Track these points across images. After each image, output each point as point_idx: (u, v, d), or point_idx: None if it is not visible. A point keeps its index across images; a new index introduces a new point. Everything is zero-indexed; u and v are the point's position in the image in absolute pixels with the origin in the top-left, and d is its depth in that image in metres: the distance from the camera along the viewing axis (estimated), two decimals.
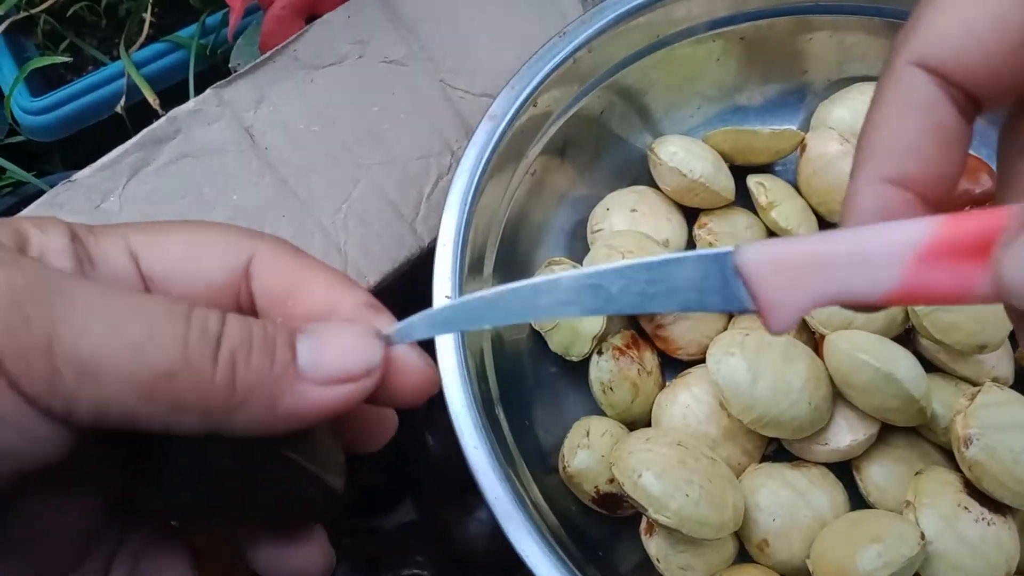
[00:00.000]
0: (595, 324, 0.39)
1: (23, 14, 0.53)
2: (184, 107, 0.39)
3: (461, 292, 0.37)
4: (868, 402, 0.36)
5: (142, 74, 0.50)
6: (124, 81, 0.50)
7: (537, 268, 0.41)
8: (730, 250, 0.20)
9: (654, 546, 0.36)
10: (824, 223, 0.44)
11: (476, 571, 0.46)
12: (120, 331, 0.17)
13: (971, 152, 0.44)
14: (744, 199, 0.44)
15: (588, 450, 0.38)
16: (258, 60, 0.40)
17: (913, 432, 0.38)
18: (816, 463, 0.38)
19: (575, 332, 0.40)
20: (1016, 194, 0.21)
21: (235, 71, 0.41)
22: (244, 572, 0.39)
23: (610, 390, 0.40)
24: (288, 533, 0.23)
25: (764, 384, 0.36)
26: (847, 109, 0.45)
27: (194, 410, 0.18)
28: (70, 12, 0.54)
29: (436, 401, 0.34)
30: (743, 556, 0.37)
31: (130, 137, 0.38)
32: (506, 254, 0.41)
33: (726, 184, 0.43)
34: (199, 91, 0.40)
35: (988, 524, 0.34)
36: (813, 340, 0.40)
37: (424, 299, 0.36)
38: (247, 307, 0.22)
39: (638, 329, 0.42)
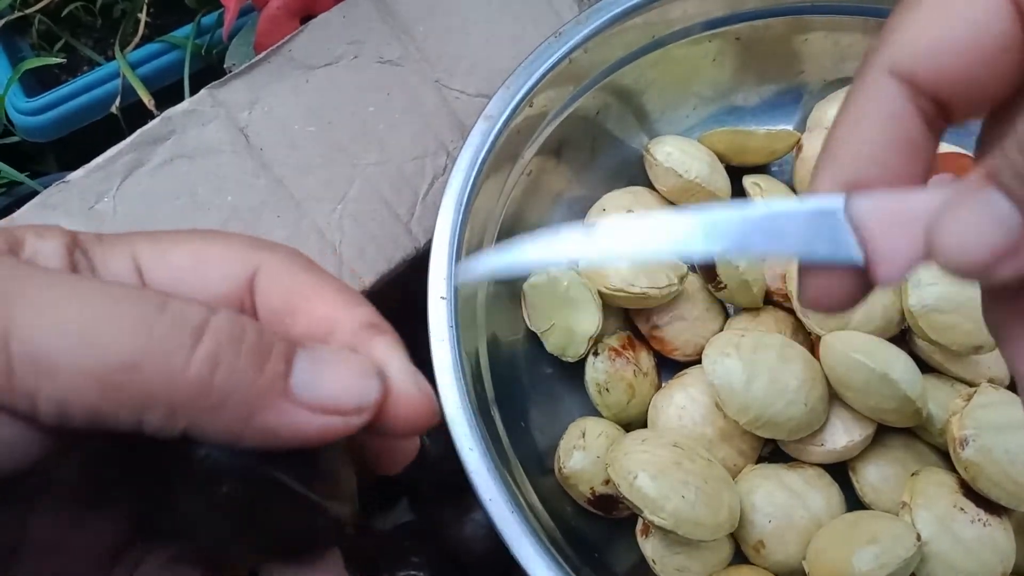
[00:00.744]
0: (591, 325, 0.39)
1: (18, 14, 0.53)
2: (178, 107, 0.39)
3: (456, 292, 0.37)
4: (864, 403, 0.36)
5: (137, 74, 0.50)
6: (119, 81, 0.50)
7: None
8: (843, 200, 0.19)
9: (650, 547, 0.36)
10: None
11: (473, 572, 0.46)
12: (75, 320, 0.16)
13: (966, 153, 0.44)
14: (740, 199, 0.44)
15: (584, 451, 0.38)
16: (253, 60, 0.40)
17: (909, 433, 0.38)
18: (812, 464, 0.38)
19: (571, 333, 0.40)
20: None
21: (230, 71, 0.41)
22: None
23: (606, 391, 0.40)
24: (299, 559, 0.21)
25: (760, 385, 0.36)
26: None
27: (161, 406, 0.16)
28: (65, 12, 0.54)
29: None
30: (739, 557, 0.37)
31: (125, 138, 0.38)
32: None
33: (722, 185, 0.43)
34: (194, 91, 0.40)
35: (984, 525, 0.34)
36: (809, 341, 0.40)
37: (420, 299, 0.36)
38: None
39: (634, 330, 0.42)
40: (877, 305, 0.38)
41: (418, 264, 0.39)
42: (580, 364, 0.41)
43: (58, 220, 0.36)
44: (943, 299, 0.36)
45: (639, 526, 0.37)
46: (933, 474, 0.36)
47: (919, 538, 0.33)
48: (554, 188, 0.45)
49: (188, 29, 0.52)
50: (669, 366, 0.42)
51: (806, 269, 0.21)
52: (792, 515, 0.36)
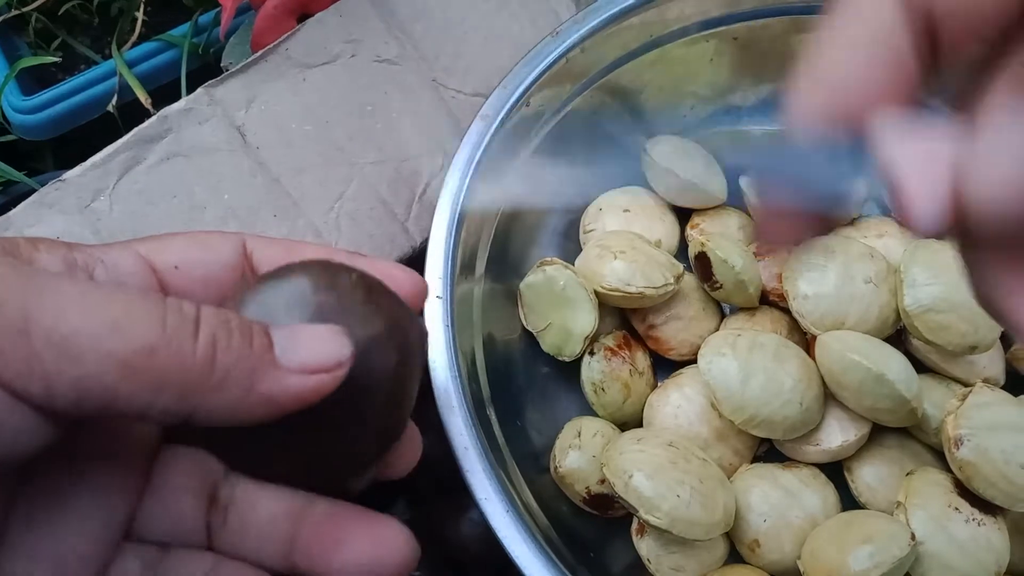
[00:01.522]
0: (587, 324, 0.39)
1: (14, 12, 0.53)
2: (175, 106, 0.39)
3: (453, 292, 0.37)
4: (859, 402, 0.36)
5: (134, 73, 0.50)
6: (116, 80, 0.50)
7: (529, 268, 0.41)
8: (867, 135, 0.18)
9: (645, 547, 0.36)
10: None
11: (469, 571, 0.46)
12: (98, 311, 0.17)
13: None
14: (736, 200, 0.44)
15: (579, 451, 0.38)
16: (250, 59, 0.40)
17: (904, 432, 0.39)
18: (807, 464, 0.38)
19: (567, 332, 0.40)
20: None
21: (227, 70, 0.41)
22: None
23: (602, 390, 0.40)
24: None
25: (755, 384, 0.36)
26: None
27: (173, 388, 0.18)
28: (62, 10, 0.54)
29: (428, 400, 0.34)
30: (734, 557, 0.37)
31: (122, 136, 0.38)
32: (498, 254, 0.41)
33: (718, 185, 0.43)
34: (191, 90, 0.40)
35: (979, 524, 0.34)
36: (805, 340, 0.40)
37: None
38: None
39: (630, 329, 0.42)
40: (873, 305, 0.38)
41: (415, 263, 0.39)
42: (576, 363, 0.41)
43: (54, 218, 0.36)
44: (939, 299, 0.36)
45: (634, 525, 0.37)
46: (928, 474, 0.36)
47: (914, 538, 0.33)
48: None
49: (185, 28, 0.52)
50: (665, 365, 0.42)
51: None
52: (787, 514, 0.36)
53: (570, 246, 0.45)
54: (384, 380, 0.22)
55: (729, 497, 0.35)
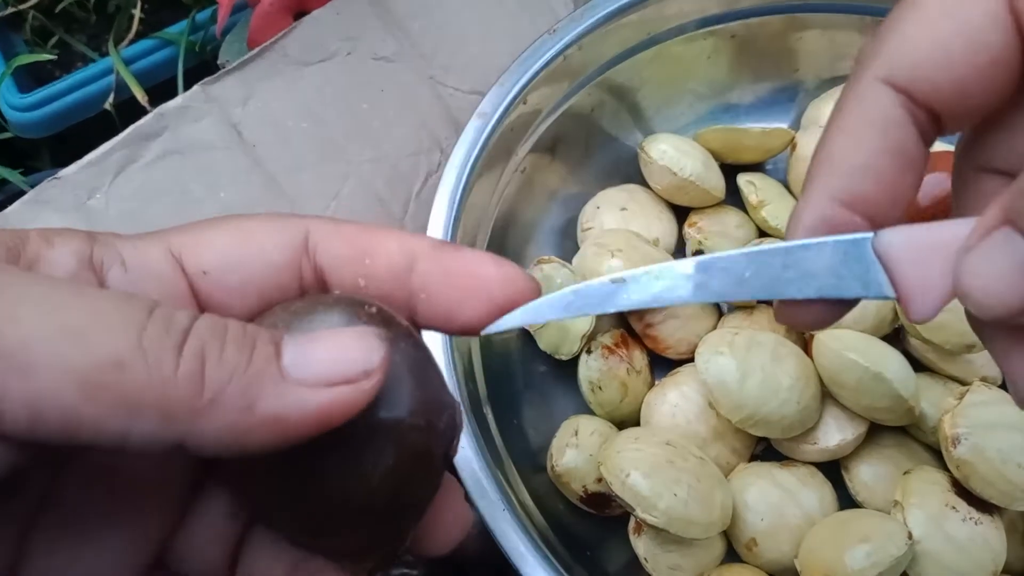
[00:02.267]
0: (584, 323, 0.39)
1: (11, 10, 0.53)
2: (171, 104, 0.38)
3: None
4: (857, 401, 0.36)
5: (131, 70, 0.50)
6: (113, 78, 0.50)
7: (526, 266, 0.41)
8: (870, 236, 0.19)
9: (642, 546, 0.36)
10: None
11: (467, 569, 0.46)
12: (58, 316, 0.14)
13: None
14: (734, 198, 0.44)
15: (576, 449, 0.38)
16: (246, 57, 0.40)
17: (902, 431, 0.38)
18: (805, 462, 0.38)
19: (564, 331, 0.40)
20: (971, 210, 0.21)
21: (224, 68, 0.41)
22: None
23: (599, 389, 0.40)
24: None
25: (753, 383, 0.36)
26: None
27: (151, 411, 0.15)
28: (59, 8, 0.54)
29: None
30: (732, 556, 0.37)
31: (118, 134, 0.38)
32: (495, 252, 0.41)
33: (716, 183, 0.43)
34: (188, 88, 0.40)
35: (976, 523, 0.34)
36: (802, 339, 0.40)
37: None
38: (312, 282, 0.20)
39: (627, 328, 0.42)
40: (870, 304, 0.38)
41: None
42: (573, 362, 0.41)
43: (49, 216, 0.36)
44: None
45: (631, 524, 0.37)
46: (925, 473, 0.36)
47: (911, 537, 0.33)
48: (548, 186, 0.45)
49: (182, 25, 0.52)
50: (662, 364, 0.42)
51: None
52: (785, 513, 0.36)
53: (568, 244, 0.44)
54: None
55: (726, 496, 0.35)
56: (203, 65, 0.52)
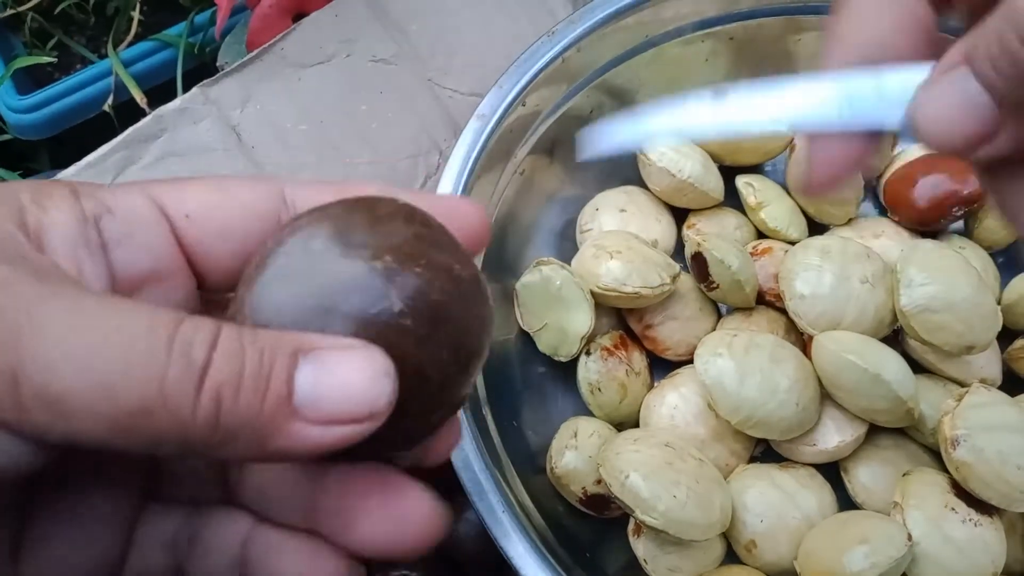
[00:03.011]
0: (584, 324, 0.39)
1: (10, 12, 0.53)
2: (170, 106, 0.39)
3: None
4: (856, 403, 0.36)
5: (130, 72, 0.50)
6: (112, 79, 0.50)
7: (526, 268, 0.41)
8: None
9: (642, 547, 0.36)
10: (813, 224, 0.44)
11: (467, 570, 0.46)
12: (92, 366, 0.16)
13: None
14: (733, 199, 0.44)
15: (576, 451, 0.38)
16: (245, 59, 0.40)
17: (901, 433, 0.38)
18: (804, 464, 0.38)
19: (564, 332, 0.40)
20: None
21: (223, 70, 0.41)
22: None
23: (598, 391, 0.40)
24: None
25: (752, 385, 0.36)
26: None
27: (172, 443, 0.16)
28: (58, 10, 0.54)
29: None
30: (731, 557, 0.37)
31: (117, 136, 0.38)
32: (494, 254, 0.41)
33: (715, 184, 0.43)
34: (187, 90, 0.40)
35: (975, 525, 0.34)
36: (801, 341, 0.40)
37: None
38: None
39: (627, 329, 0.42)
40: (869, 305, 0.38)
41: None
42: (572, 364, 0.41)
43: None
44: (935, 299, 0.36)
45: (631, 526, 0.37)
46: (925, 474, 0.36)
47: (910, 538, 0.33)
48: (547, 187, 0.45)
49: (181, 27, 0.52)
50: (661, 366, 0.42)
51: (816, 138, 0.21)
52: (784, 515, 0.36)
53: (567, 246, 0.44)
54: (444, 364, 0.19)
55: (725, 497, 0.35)
56: (202, 67, 0.52)
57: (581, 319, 0.39)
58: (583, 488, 0.37)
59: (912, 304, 0.36)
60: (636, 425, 0.40)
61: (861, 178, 0.43)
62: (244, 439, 0.17)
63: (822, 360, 0.37)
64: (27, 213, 0.19)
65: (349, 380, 0.17)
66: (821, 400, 0.38)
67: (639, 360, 0.41)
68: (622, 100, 0.46)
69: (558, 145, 0.44)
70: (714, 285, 0.40)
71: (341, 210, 0.19)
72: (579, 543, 0.38)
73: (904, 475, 0.36)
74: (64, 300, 0.17)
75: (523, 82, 0.40)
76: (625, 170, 0.46)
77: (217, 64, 0.47)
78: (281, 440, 0.17)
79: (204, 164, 0.38)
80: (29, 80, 0.53)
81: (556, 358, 0.40)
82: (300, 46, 0.41)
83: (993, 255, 0.43)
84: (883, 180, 0.45)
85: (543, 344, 0.40)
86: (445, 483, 0.39)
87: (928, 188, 0.42)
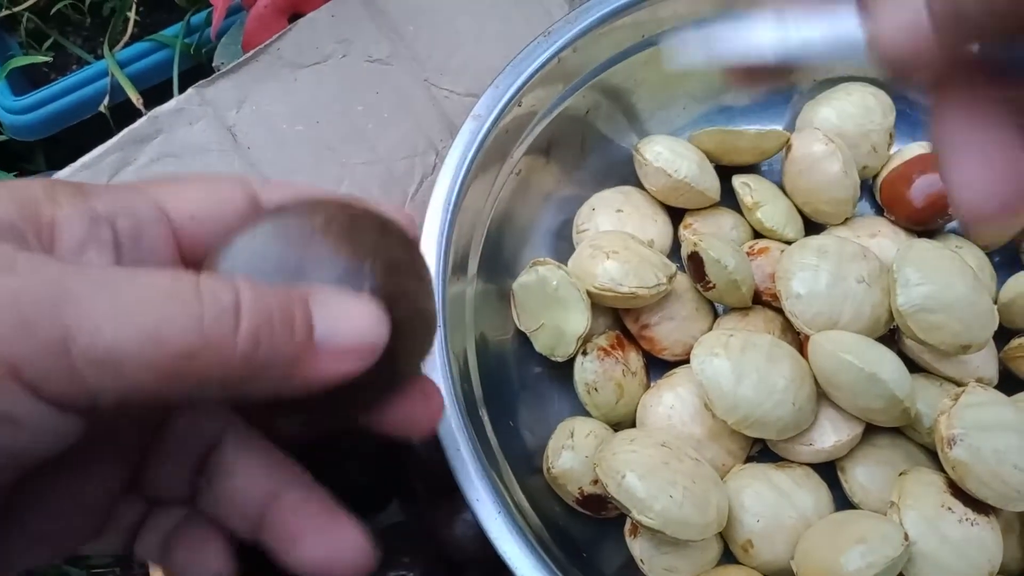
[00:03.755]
0: (580, 324, 0.39)
1: (6, 12, 0.53)
2: (166, 106, 0.38)
3: (445, 293, 0.37)
4: (852, 403, 0.36)
5: (126, 73, 0.50)
6: (108, 80, 0.50)
7: (522, 269, 0.41)
8: None
9: (638, 547, 0.36)
10: (810, 223, 0.44)
11: (463, 572, 0.46)
12: (134, 320, 0.17)
13: None
14: (729, 199, 0.44)
15: (572, 451, 0.38)
16: (241, 59, 0.40)
17: (897, 432, 0.38)
18: (801, 464, 0.38)
19: (560, 332, 0.39)
20: None
21: (218, 70, 0.41)
22: None
23: (595, 391, 0.40)
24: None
25: (748, 385, 0.36)
26: (833, 109, 0.45)
27: (215, 384, 0.18)
28: (54, 10, 0.54)
29: None
30: (728, 557, 0.37)
31: (113, 137, 0.38)
32: (490, 254, 0.41)
33: (711, 184, 0.43)
34: (183, 90, 0.40)
35: (971, 524, 0.34)
36: (798, 340, 0.40)
37: None
38: None
39: (623, 329, 0.42)
40: (866, 305, 0.38)
41: None
42: (569, 364, 0.41)
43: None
44: (931, 299, 0.36)
45: (627, 526, 0.37)
46: (921, 474, 0.36)
47: (907, 538, 0.33)
48: (543, 188, 0.45)
49: (177, 28, 0.52)
50: (658, 366, 0.42)
51: None
52: (780, 515, 0.36)
53: (563, 246, 0.44)
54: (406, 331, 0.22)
55: (722, 497, 0.35)
56: (198, 68, 0.52)
57: (577, 319, 0.39)
58: (580, 488, 0.37)
59: (908, 303, 0.36)
60: (633, 425, 0.40)
61: (857, 177, 0.43)
62: (275, 371, 0.19)
63: (818, 360, 0.37)
64: (42, 207, 0.20)
65: (358, 320, 0.20)
66: (818, 400, 0.38)
67: (636, 360, 0.41)
68: (618, 100, 0.46)
69: (554, 145, 0.44)
70: (710, 285, 0.40)
71: (298, 206, 0.22)
72: (576, 543, 0.38)
73: (901, 475, 0.36)
74: (92, 271, 0.18)
75: (519, 82, 0.40)
76: (621, 170, 0.46)
77: (213, 65, 0.47)
78: (305, 372, 0.19)
79: (200, 165, 0.38)
80: (25, 80, 0.52)
81: (553, 358, 0.40)
82: (296, 47, 0.41)
83: (989, 254, 0.43)
84: (879, 179, 0.45)
85: (540, 344, 0.40)
86: (443, 484, 0.39)
87: (924, 187, 0.42)
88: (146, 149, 0.38)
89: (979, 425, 0.34)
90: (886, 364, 0.35)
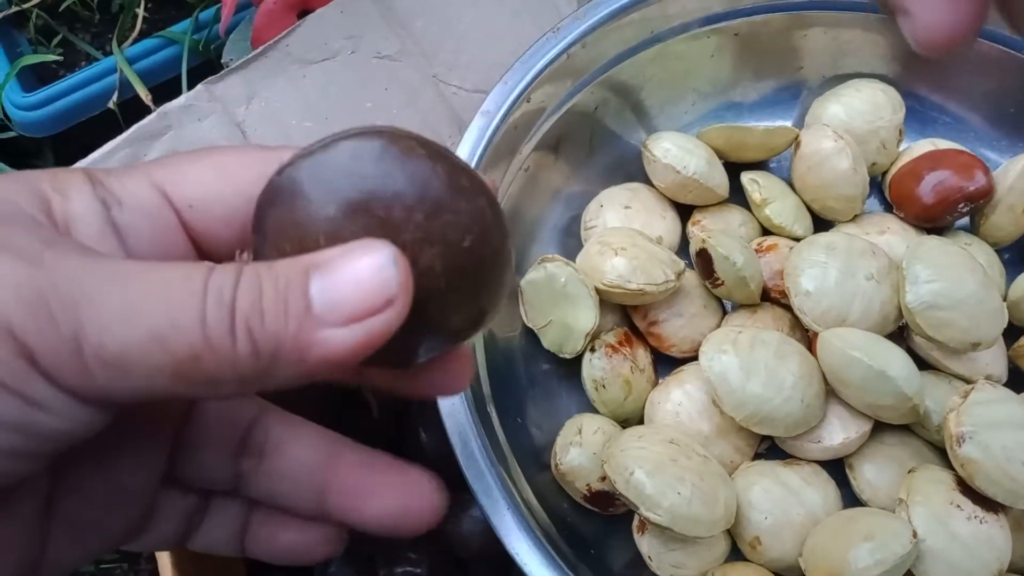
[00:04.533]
0: (588, 321, 0.39)
1: (15, 9, 0.53)
2: (175, 102, 0.39)
3: None
4: (861, 400, 0.36)
5: (135, 69, 0.50)
6: (117, 76, 0.50)
7: (530, 265, 0.41)
8: None
9: (646, 544, 0.36)
10: (818, 220, 0.44)
11: (470, 568, 0.46)
12: (141, 322, 0.17)
13: (965, 149, 0.44)
14: (738, 196, 0.44)
15: (580, 448, 0.38)
16: (250, 55, 0.40)
17: (906, 430, 0.38)
18: (809, 461, 0.38)
19: (568, 329, 0.39)
20: None
21: (227, 67, 0.41)
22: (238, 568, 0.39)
23: (603, 387, 0.40)
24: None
25: (757, 381, 0.36)
26: (841, 106, 0.44)
27: (229, 381, 0.18)
28: (63, 7, 0.54)
29: None
30: (735, 554, 0.37)
31: (122, 133, 0.38)
32: None
33: (720, 181, 0.43)
34: (192, 87, 0.40)
35: (980, 522, 0.33)
36: (806, 338, 0.40)
37: None
38: None
39: (631, 326, 0.42)
40: (875, 302, 0.38)
41: None
42: (577, 360, 0.41)
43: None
44: (941, 296, 0.36)
45: (635, 523, 0.37)
46: (930, 471, 0.35)
47: (915, 535, 0.33)
48: (552, 184, 0.44)
49: (186, 24, 0.52)
50: (666, 362, 0.42)
51: None
52: (789, 512, 0.36)
53: (571, 242, 0.44)
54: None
55: (730, 494, 0.35)
56: (207, 64, 0.52)
57: (586, 316, 0.39)
58: (588, 485, 0.37)
59: (918, 301, 0.36)
60: (641, 422, 0.40)
61: (866, 174, 0.43)
62: (285, 359, 0.18)
63: (827, 357, 0.37)
64: (51, 201, 0.20)
65: (358, 275, 0.18)
66: (826, 397, 0.38)
67: (643, 357, 0.41)
68: (627, 96, 0.46)
69: (563, 141, 0.44)
70: (719, 282, 0.40)
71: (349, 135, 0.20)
72: (583, 540, 0.38)
73: (909, 472, 0.36)
74: (108, 267, 0.18)
75: (528, 78, 0.40)
76: (630, 167, 0.46)
77: (222, 61, 0.47)
78: (318, 350, 0.18)
79: None
80: (34, 77, 0.53)
81: (561, 355, 0.40)
82: (305, 43, 0.41)
83: (999, 252, 0.43)
84: (888, 176, 0.45)
85: (548, 341, 0.40)
86: (450, 480, 0.39)
87: (934, 184, 0.42)
88: (155, 145, 0.38)
89: (988, 422, 0.34)
90: (895, 361, 0.35)
